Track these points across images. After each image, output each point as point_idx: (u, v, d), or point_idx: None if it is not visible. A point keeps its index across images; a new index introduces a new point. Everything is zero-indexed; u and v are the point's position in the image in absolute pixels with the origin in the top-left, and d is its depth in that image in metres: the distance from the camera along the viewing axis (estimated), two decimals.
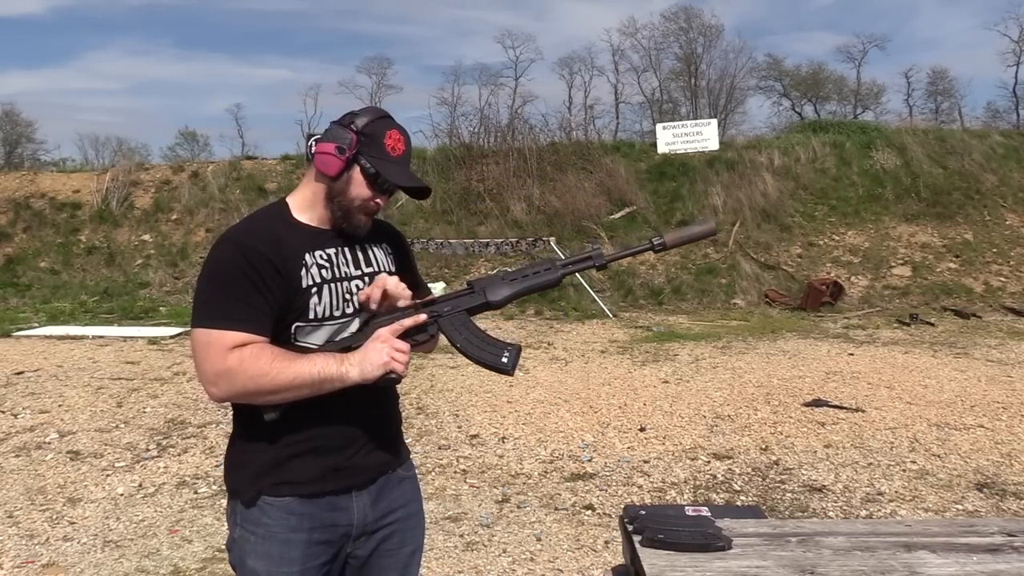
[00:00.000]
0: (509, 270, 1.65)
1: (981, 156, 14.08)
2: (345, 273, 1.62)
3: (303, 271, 1.56)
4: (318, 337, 1.58)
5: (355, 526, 1.63)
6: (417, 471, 1.84)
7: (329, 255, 1.61)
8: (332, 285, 1.59)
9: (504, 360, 1.59)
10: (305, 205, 1.62)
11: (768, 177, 13.87)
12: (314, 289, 1.57)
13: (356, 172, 1.58)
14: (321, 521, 1.58)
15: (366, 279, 1.64)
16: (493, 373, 1.65)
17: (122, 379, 7.16)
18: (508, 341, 1.64)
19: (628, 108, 44.06)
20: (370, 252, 1.69)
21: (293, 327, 1.56)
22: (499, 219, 13.60)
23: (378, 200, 1.61)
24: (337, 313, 1.60)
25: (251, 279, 1.51)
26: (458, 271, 13.05)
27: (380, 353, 1.51)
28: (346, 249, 1.64)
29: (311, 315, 1.56)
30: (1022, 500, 4.08)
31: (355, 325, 1.62)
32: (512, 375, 1.62)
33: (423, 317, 1.59)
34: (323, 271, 1.59)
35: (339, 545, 1.62)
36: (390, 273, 1.68)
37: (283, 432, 1.57)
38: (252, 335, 1.50)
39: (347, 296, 1.61)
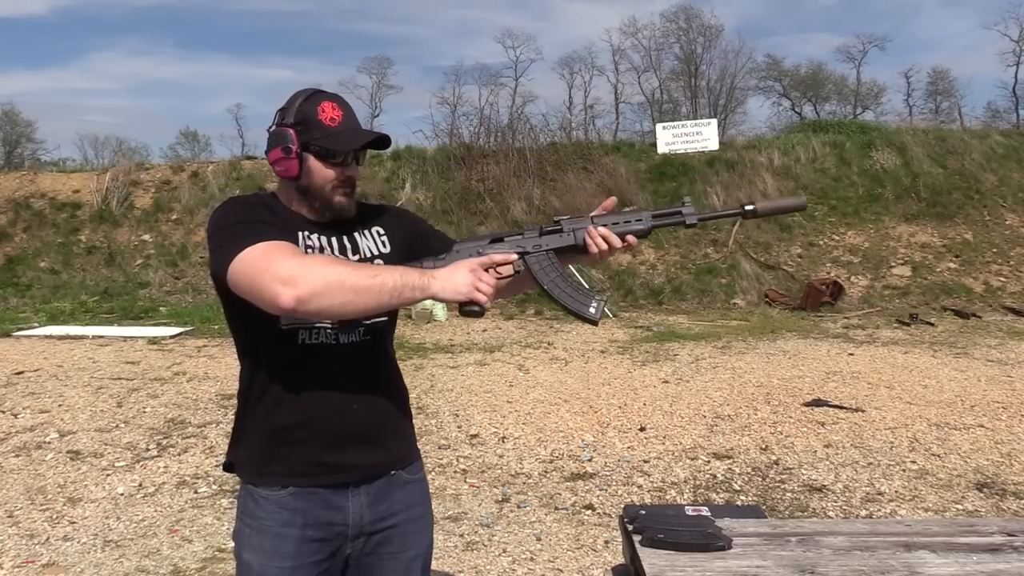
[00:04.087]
0: (596, 214, 1.62)
1: (981, 156, 14.09)
2: None
3: (301, 245, 1.56)
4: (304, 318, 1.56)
5: (351, 526, 1.61)
6: None
7: (315, 239, 1.60)
8: None
9: (592, 310, 1.57)
10: (288, 200, 1.63)
11: (768, 177, 13.87)
12: None
13: (311, 160, 1.56)
14: (316, 518, 1.58)
15: None
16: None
17: (122, 379, 7.16)
18: (596, 289, 1.62)
19: (628, 108, 44.18)
20: (359, 240, 1.67)
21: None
22: (499, 219, 13.59)
23: (347, 174, 1.59)
24: None
25: (262, 212, 1.53)
26: None
27: (467, 276, 1.49)
28: (333, 238, 1.63)
29: None
30: (1022, 500, 4.08)
31: None
32: (597, 325, 1.61)
33: (514, 256, 1.57)
34: (310, 252, 1.57)
35: (336, 545, 1.61)
36: (381, 256, 1.66)
37: (276, 419, 1.56)
38: (295, 244, 1.47)
39: None
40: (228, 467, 1.66)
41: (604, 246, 1.57)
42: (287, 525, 1.57)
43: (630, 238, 1.58)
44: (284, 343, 1.55)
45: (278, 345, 1.56)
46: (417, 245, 1.72)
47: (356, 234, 1.66)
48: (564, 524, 3.85)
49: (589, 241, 1.57)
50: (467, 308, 1.52)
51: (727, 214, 1.68)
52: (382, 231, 1.71)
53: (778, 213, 1.70)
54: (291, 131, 1.55)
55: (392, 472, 1.67)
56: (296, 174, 1.57)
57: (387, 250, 1.68)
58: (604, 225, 1.58)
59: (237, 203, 1.57)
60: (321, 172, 1.57)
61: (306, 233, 1.59)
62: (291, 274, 1.36)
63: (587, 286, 1.62)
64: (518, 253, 1.59)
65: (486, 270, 1.53)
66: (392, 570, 1.67)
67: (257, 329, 1.54)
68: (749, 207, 1.61)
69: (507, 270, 1.60)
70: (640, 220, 1.58)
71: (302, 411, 1.56)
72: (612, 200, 1.63)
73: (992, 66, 60.04)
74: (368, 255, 1.65)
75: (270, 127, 1.60)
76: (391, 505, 1.66)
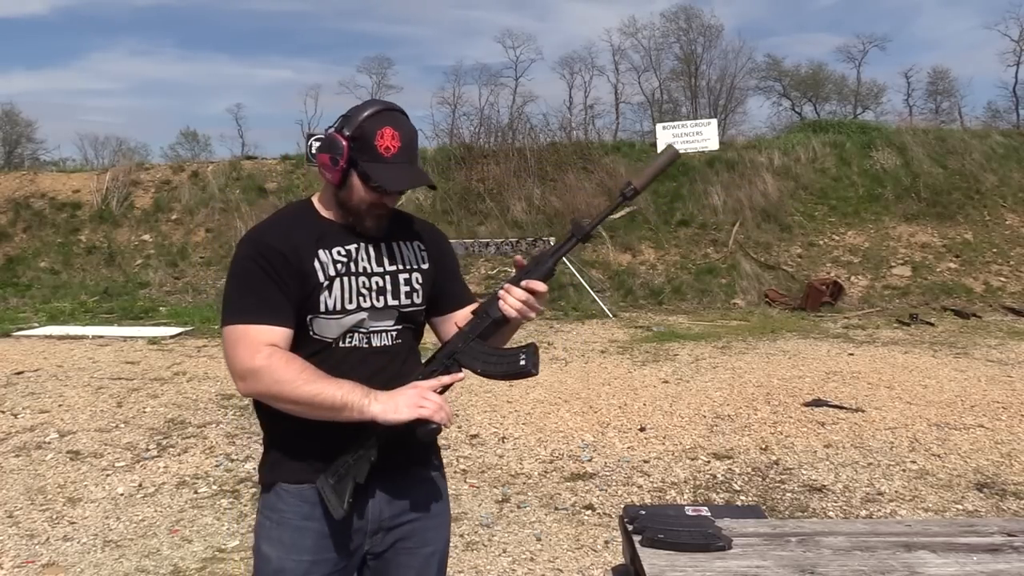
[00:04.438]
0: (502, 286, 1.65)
1: (981, 156, 14.08)
2: (364, 268, 1.62)
3: (316, 264, 1.58)
4: (332, 330, 1.60)
5: (369, 521, 1.63)
6: None
7: (349, 251, 1.61)
8: (346, 279, 1.60)
9: (522, 363, 1.57)
10: (325, 204, 1.66)
11: (768, 177, 13.87)
12: (325, 283, 1.58)
13: (354, 178, 1.57)
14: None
15: (388, 276, 1.64)
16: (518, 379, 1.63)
17: (122, 379, 7.16)
18: (522, 345, 1.61)
19: (628, 108, 44.15)
20: (396, 249, 1.68)
21: (308, 318, 1.59)
22: (499, 219, 13.59)
23: (384, 201, 1.60)
24: (351, 307, 1.60)
25: (267, 273, 1.54)
26: None
27: (410, 397, 1.50)
28: (370, 245, 1.64)
29: (322, 308, 1.58)
30: (1022, 500, 4.08)
31: (384, 321, 1.63)
32: (536, 374, 1.58)
33: (460, 375, 1.58)
34: (338, 265, 1.60)
35: (356, 542, 1.63)
36: (419, 270, 1.68)
37: (300, 425, 1.58)
38: (275, 327, 1.53)
39: (363, 291, 1.62)
40: (260, 479, 1.69)
41: (515, 303, 1.55)
42: (307, 519, 1.59)
43: (530, 283, 1.55)
44: (317, 345, 1.60)
45: (311, 347, 1.59)
46: (438, 280, 1.73)
47: (395, 244, 1.68)
48: (564, 524, 3.85)
49: (501, 306, 1.56)
50: (421, 429, 1.51)
51: (613, 207, 1.65)
52: (423, 246, 1.72)
53: (657, 176, 1.66)
54: (344, 143, 1.55)
55: (411, 469, 1.69)
56: (337, 184, 1.59)
57: (426, 265, 1.71)
58: (508, 283, 1.58)
59: (250, 254, 1.57)
60: (360, 192, 1.58)
61: (337, 249, 1.60)
62: (243, 373, 1.51)
63: (512, 346, 1.62)
64: (449, 356, 1.60)
65: (435, 391, 1.54)
66: (409, 565, 1.69)
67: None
68: (629, 189, 1.59)
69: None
70: (538, 261, 1.59)
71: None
72: (518, 260, 1.63)
73: (992, 66, 60.01)
74: (408, 266, 1.68)
75: (329, 128, 1.60)
76: (409, 502, 1.68)
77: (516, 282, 1.57)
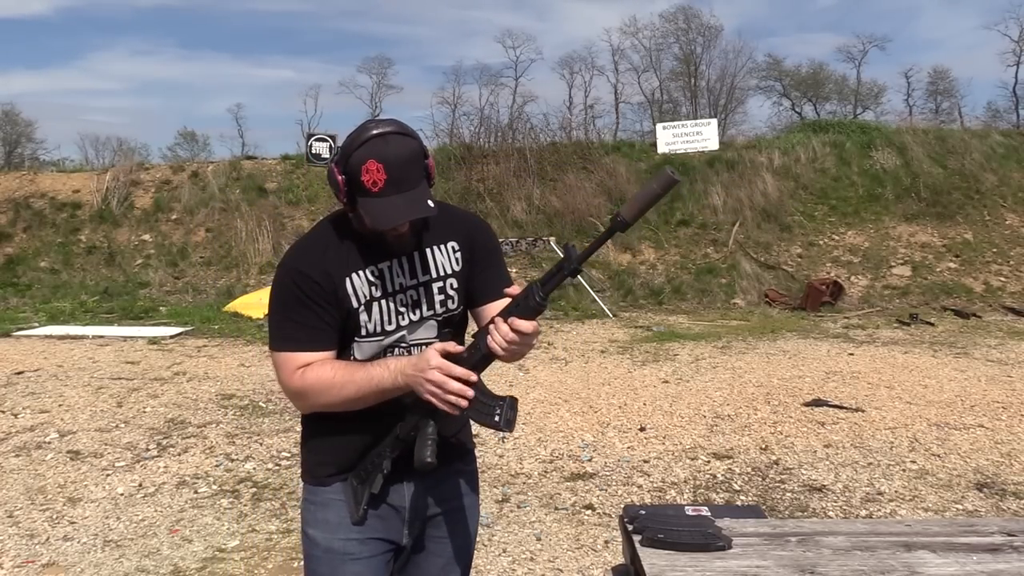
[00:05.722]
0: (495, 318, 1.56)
1: (981, 156, 14.08)
2: (399, 285, 1.62)
3: (349, 289, 1.58)
4: (373, 350, 1.62)
5: (407, 510, 1.67)
6: None
7: (381, 270, 1.60)
8: (382, 301, 1.60)
9: (495, 419, 1.49)
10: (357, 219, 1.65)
11: (768, 177, 13.87)
12: (362, 308, 1.59)
13: (359, 209, 1.54)
14: (377, 497, 1.63)
15: (421, 288, 1.63)
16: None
17: (122, 379, 7.16)
18: (503, 395, 1.53)
19: (628, 108, 44.12)
20: (430, 257, 1.65)
21: (353, 342, 1.62)
22: (499, 219, 13.59)
23: (396, 228, 1.54)
24: (390, 328, 1.61)
25: (301, 300, 1.56)
26: None
27: (428, 386, 1.46)
28: (403, 258, 1.63)
29: (363, 332, 1.60)
30: (1022, 500, 4.08)
31: (422, 332, 1.64)
32: (509, 432, 1.55)
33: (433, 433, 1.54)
34: (373, 288, 1.59)
35: (396, 531, 1.67)
36: (454, 275, 1.66)
37: (347, 416, 1.60)
38: (314, 353, 1.57)
39: (401, 308, 1.62)
40: (301, 473, 1.74)
41: (501, 342, 1.44)
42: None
43: (515, 323, 1.44)
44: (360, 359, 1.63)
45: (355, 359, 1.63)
46: (471, 275, 1.69)
47: (428, 250, 1.65)
48: (564, 524, 3.85)
49: (489, 343, 1.46)
50: (417, 460, 1.50)
51: (601, 240, 1.48)
52: (457, 246, 1.68)
53: (651, 205, 1.41)
54: (340, 179, 1.51)
55: (448, 462, 1.69)
56: (350, 212, 1.58)
57: (458, 268, 1.68)
58: (498, 315, 1.47)
59: (284, 280, 1.59)
60: (367, 223, 1.54)
61: (370, 269, 1.59)
62: (292, 396, 1.62)
63: (495, 395, 1.53)
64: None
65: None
66: (438, 554, 1.73)
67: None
68: (619, 220, 1.40)
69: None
70: (528, 296, 1.46)
71: (370, 410, 1.60)
72: (509, 291, 1.52)
73: (992, 66, 59.90)
74: (441, 273, 1.66)
75: (335, 156, 1.55)
76: (443, 493, 1.72)
77: (505, 316, 1.46)
